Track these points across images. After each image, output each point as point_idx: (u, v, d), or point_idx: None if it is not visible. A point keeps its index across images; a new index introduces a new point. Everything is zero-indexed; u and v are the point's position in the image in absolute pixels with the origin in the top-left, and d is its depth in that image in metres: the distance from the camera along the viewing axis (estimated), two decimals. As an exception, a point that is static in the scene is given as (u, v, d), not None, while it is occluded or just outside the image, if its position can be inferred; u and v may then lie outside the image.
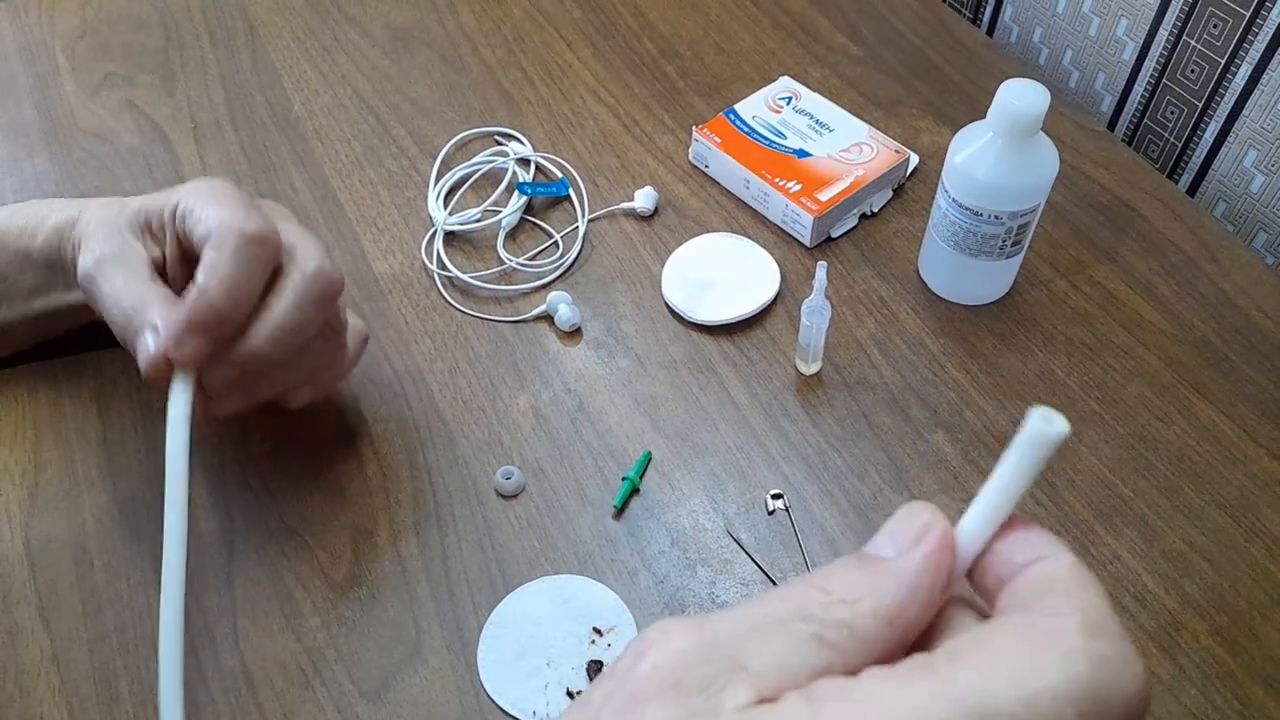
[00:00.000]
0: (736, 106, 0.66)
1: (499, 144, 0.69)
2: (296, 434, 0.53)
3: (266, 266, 0.43)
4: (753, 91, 0.68)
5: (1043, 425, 0.22)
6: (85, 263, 0.45)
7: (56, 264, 0.49)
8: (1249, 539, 0.48)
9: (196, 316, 0.41)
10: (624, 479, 0.50)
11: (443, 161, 0.67)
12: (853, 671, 0.21)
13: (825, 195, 0.60)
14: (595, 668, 0.44)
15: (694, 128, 0.65)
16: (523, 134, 0.69)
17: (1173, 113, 0.69)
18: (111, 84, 0.74)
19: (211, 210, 0.43)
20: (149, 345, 0.41)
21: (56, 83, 0.74)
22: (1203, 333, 0.56)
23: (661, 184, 0.65)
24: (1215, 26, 0.63)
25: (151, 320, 0.42)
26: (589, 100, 0.71)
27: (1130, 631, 0.45)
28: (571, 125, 0.69)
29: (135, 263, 0.44)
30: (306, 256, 0.44)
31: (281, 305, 0.43)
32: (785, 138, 0.64)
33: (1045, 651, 0.20)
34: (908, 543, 0.23)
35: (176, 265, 0.45)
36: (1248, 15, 0.60)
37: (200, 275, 0.41)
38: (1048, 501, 0.50)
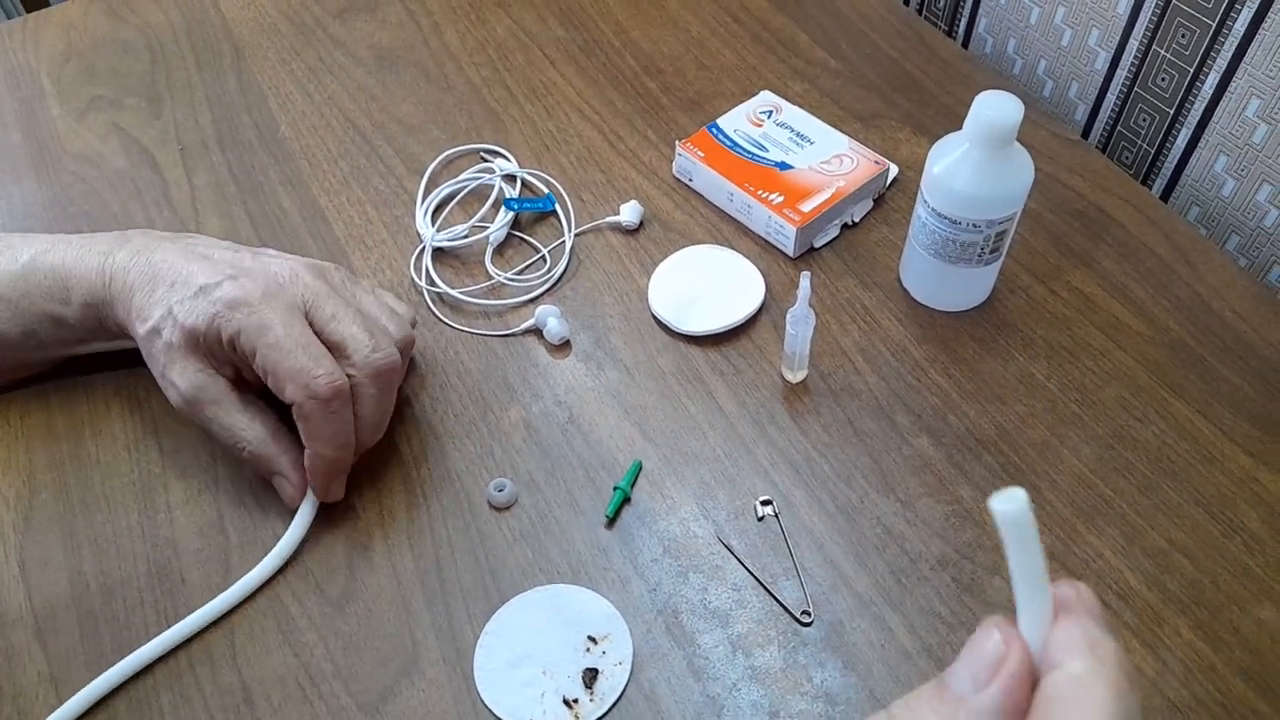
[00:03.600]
0: (719, 121, 0.67)
1: (485, 160, 0.70)
2: (290, 451, 0.53)
3: (347, 405, 0.48)
4: (734, 106, 0.69)
5: (1006, 506, 0.25)
6: (177, 400, 0.49)
7: (98, 330, 0.52)
8: (1227, 535, 0.49)
9: (323, 471, 0.49)
10: (615, 488, 0.51)
11: (429, 179, 0.68)
12: None
13: (807, 206, 0.61)
14: (590, 675, 0.45)
15: (677, 142, 0.66)
16: (508, 150, 0.70)
17: (1145, 120, 0.70)
18: (98, 107, 0.74)
19: (276, 360, 0.47)
20: (287, 492, 0.50)
21: (43, 107, 0.74)
22: (1178, 334, 0.58)
23: (646, 198, 0.66)
24: (1183, 36, 0.64)
25: (280, 469, 0.50)
26: (573, 117, 0.72)
27: (1114, 629, 0.46)
28: (556, 141, 0.70)
29: (221, 397, 0.49)
30: (358, 350, 0.48)
31: (366, 411, 0.49)
32: (767, 151, 0.65)
33: None
34: (985, 677, 0.25)
35: (249, 369, 0.49)
36: (1214, 25, 0.62)
37: (306, 442, 0.48)
38: (1031, 503, 0.51)
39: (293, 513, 0.50)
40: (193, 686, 0.46)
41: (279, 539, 0.49)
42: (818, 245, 0.63)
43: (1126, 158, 0.73)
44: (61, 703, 0.45)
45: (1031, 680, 0.25)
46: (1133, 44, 0.68)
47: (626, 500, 0.51)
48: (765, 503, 0.51)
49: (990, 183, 0.52)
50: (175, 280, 0.49)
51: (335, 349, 0.48)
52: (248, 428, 0.49)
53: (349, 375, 0.48)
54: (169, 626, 0.47)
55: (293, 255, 0.52)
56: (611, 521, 0.51)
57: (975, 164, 0.52)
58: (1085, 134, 0.76)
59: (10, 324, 0.51)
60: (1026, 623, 0.26)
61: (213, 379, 0.49)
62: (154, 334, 0.49)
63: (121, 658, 0.46)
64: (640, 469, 0.52)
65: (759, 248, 0.63)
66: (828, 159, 0.64)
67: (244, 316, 0.47)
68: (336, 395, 0.47)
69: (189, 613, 0.48)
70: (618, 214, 0.64)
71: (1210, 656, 0.46)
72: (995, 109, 0.50)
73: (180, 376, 0.48)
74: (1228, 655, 0.46)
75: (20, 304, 0.51)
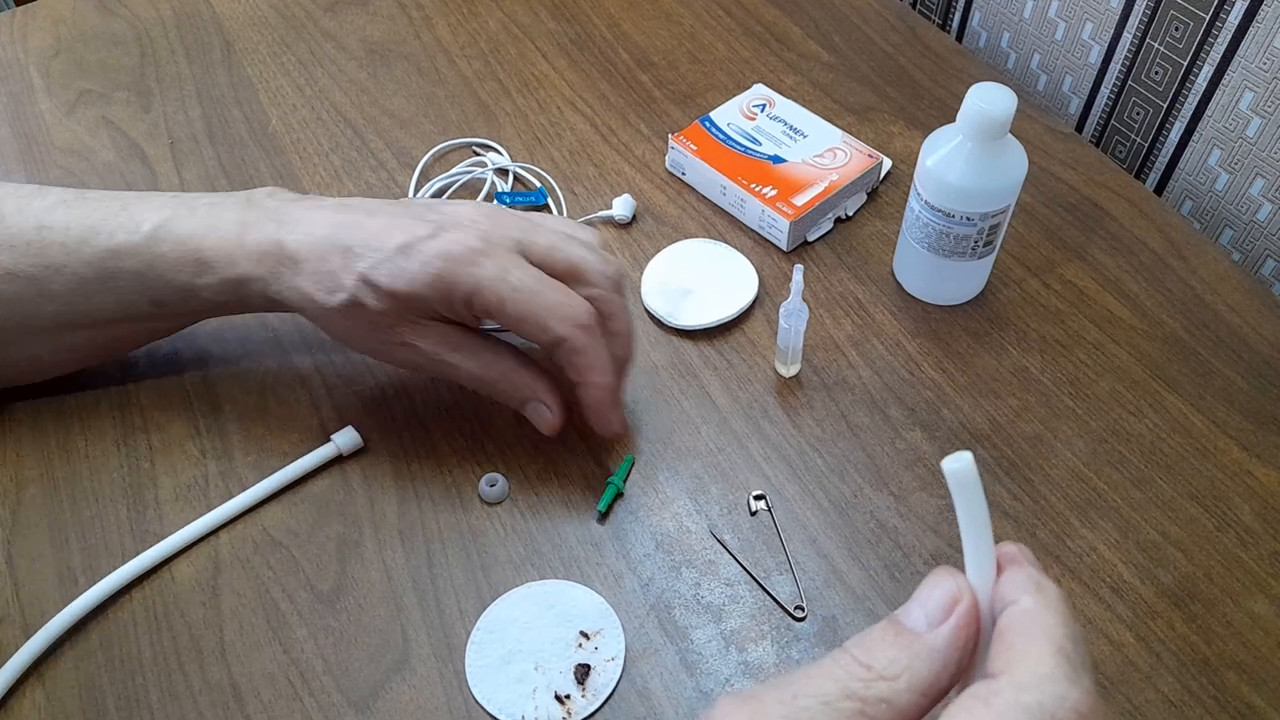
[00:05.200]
0: (712, 114, 0.67)
1: (477, 154, 0.69)
2: (279, 445, 0.53)
3: (599, 337, 0.47)
4: (727, 99, 0.69)
5: (954, 465, 0.26)
6: (414, 359, 0.48)
7: (234, 304, 0.50)
8: (1220, 528, 0.49)
9: (608, 401, 0.48)
10: (608, 483, 0.51)
11: (421, 173, 0.67)
12: None
13: (801, 200, 0.61)
14: (583, 671, 0.45)
15: (670, 135, 0.66)
16: (500, 144, 0.69)
17: (1138, 114, 0.70)
18: (87, 101, 0.74)
19: (529, 303, 0.45)
20: (546, 417, 0.49)
21: (31, 101, 0.74)
22: (1172, 328, 0.58)
23: (639, 192, 0.66)
24: (1177, 29, 0.64)
25: (536, 394, 0.49)
26: (566, 110, 0.72)
27: (1107, 622, 0.46)
28: (549, 135, 0.70)
29: (463, 343, 0.48)
30: (590, 269, 0.47)
31: (621, 325, 0.48)
32: (760, 144, 0.65)
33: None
34: (939, 616, 0.27)
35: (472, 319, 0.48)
36: (1207, 18, 0.62)
37: (582, 376, 0.47)
38: (1025, 496, 0.51)
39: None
40: (181, 684, 0.45)
41: (265, 530, 0.49)
42: (811, 239, 0.63)
43: (1120, 151, 0.73)
44: (49, 699, 0.45)
45: (979, 623, 0.27)
46: (1126, 37, 0.68)
47: (619, 495, 0.51)
48: (758, 497, 0.51)
49: (984, 175, 0.52)
50: (353, 244, 0.46)
51: (567, 276, 0.47)
52: (495, 362, 0.48)
53: (593, 295, 0.47)
54: (157, 623, 0.47)
55: (458, 200, 0.51)
56: (604, 516, 0.50)
57: (969, 157, 0.52)
58: (1079, 128, 0.76)
59: (138, 295, 0.49)
60: (974, 573, 0.27)
61: (451, 328, 0.47)
62: (354, 306, 0.46)
63: (109, 652, 0.46)
64: (633, 464, 0.52)
65: (752, 241, 0.63)
66: (821, 152, 0.64)
67: (477, 270, 0.45)
68: (597, 320, 0.46)
69: (178, 609, 0.47)
70: (610, 208, 0.64)
71: (1204, 650, 0.45)
72: (988, 101, 0.50)
73: (420, 337, 0.47)
74: (1221, 648, 0.45)
75: (146, 275, 0.48)
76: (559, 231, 0.48)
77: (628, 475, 0.52)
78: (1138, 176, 0.72)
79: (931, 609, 0.27)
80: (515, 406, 0.49)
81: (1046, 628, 0.25)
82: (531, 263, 0.46)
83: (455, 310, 0.46)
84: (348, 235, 0.46)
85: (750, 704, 0.25)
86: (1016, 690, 0.24)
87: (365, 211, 0.48)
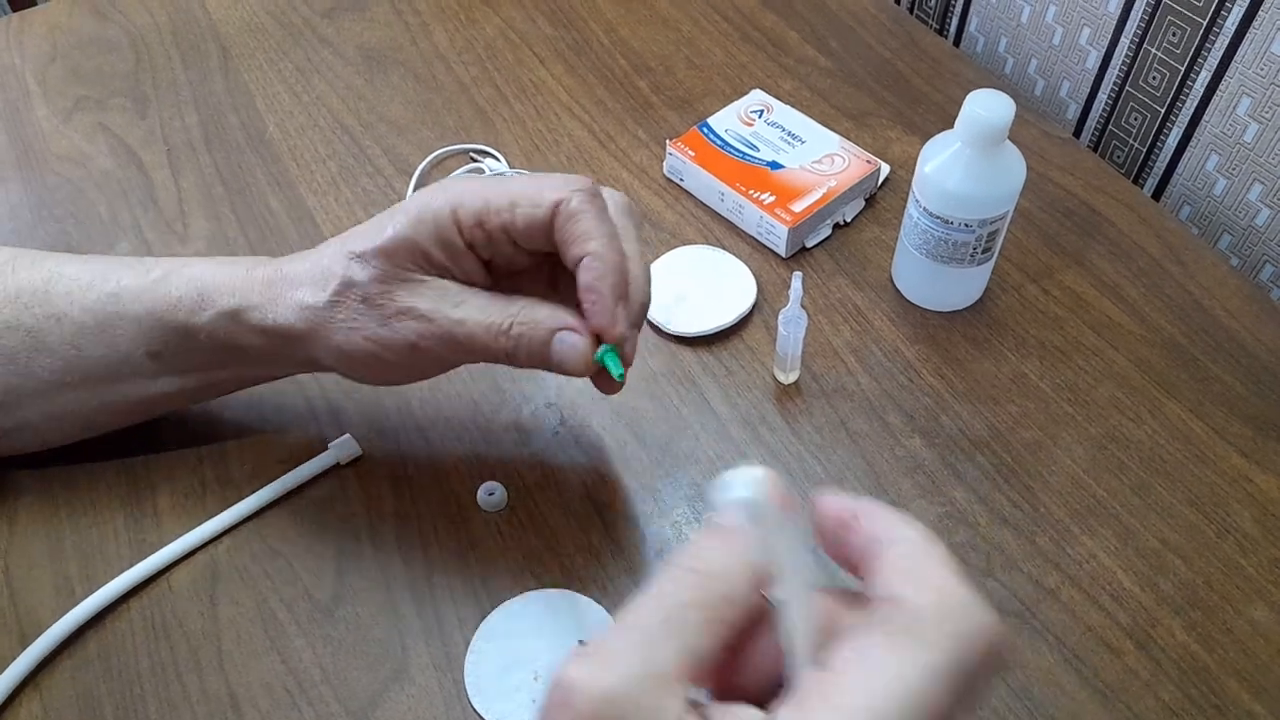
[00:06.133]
0: (709, 120, 0.67)
1: (474, 160, 0.69)
2: (277, 454, 0.53)
3: (601, 208, 0.42)
4: (725, 105, 0.69)
5: (742, 494, 0.25)
6: (413, 331, 0.43)
7: (230, 348, 0.47)
8: (1220, 535, 0.49)
9: (612, 283, 0.41)
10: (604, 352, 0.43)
11: (419, 180, 0.67)
12: (741, 629, 0.25)
13: (799, 206, 0.61)
14: (582, 680, 0.45)
15: (668, 141, 0.66)
16: (498, 151, 0.69)
17: (1136, 119, 0.70)
18: (84, 108, 0.73)
19: (516, 188, 0.42)
20: (576, 344, 0.42)
21: (28, 108, 0.74)
22: (1170, 334, 0.58)
23: (637, 198, 0.66)
24: (1174, 35, 0.64)
25: (560, 322, 0.42)
26: (563, 116, 0.72)
27: (1108, 629, 0.46)
28: (546, 141, 0.70)
29: (465, 295, 0.43)
30: (555, 185, 0.42)
31: (631, 247, 0.43)
32: (758, 150, 0.65)
33: (906, 654, 0.23)
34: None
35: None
36: (1204, 24, 0.62)
37: (582, 244, 0.41)
38: (1024, 503, 0.51)
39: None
40: (179, 694, 0.45)
41: (262, 539, 0.49)
42: (809, 245, 0.63)
43: (1118, 156, 0.73)
44: (46, 710, 0.44)
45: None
46: (1124, 43, 0.68)
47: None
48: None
49: (982, 182, 0.52)
50: (330, 246, 0.44)
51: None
52: (507, 305, 0.42)
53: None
54: (155, 633, 0.47)
55: None
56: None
57: (967, 163, 0.52)
58: (1076, 133, 0.76)
59: (134, 344, 0.47)
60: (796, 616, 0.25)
61: (449, 282, 0.43)
62: (346, 288, 0.43)
63: (106, 662, 0.46)
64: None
65: (750, 248, 0.63)
66: (819, 158, 0.64)
67: (453, 189, 0.42)
68: (597, 191, 0.42)
69: (176, 619, 0.47)
70: (608, 214, 0.64)
71: (1204, 657, 0.45)
72: (987, 108, 0.50)
73: (419, 296, 0.42)
74: (1221, 656, 0.45)
75: (144, 320, 0.46)
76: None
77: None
78: (1135, 181, 0.72)
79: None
80: (540, 355, 0.42)
81: (944, 557, 0.25)
82: None
83: (447, 242, 0.42)
84: (324, 246, 0.45)
85: (597, 657, 0.23)
86: (939, 616, 0.23)
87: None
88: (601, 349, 0.42)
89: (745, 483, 0.25)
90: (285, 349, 0.46)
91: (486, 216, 0.42)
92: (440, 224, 0.42)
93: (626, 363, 0.43)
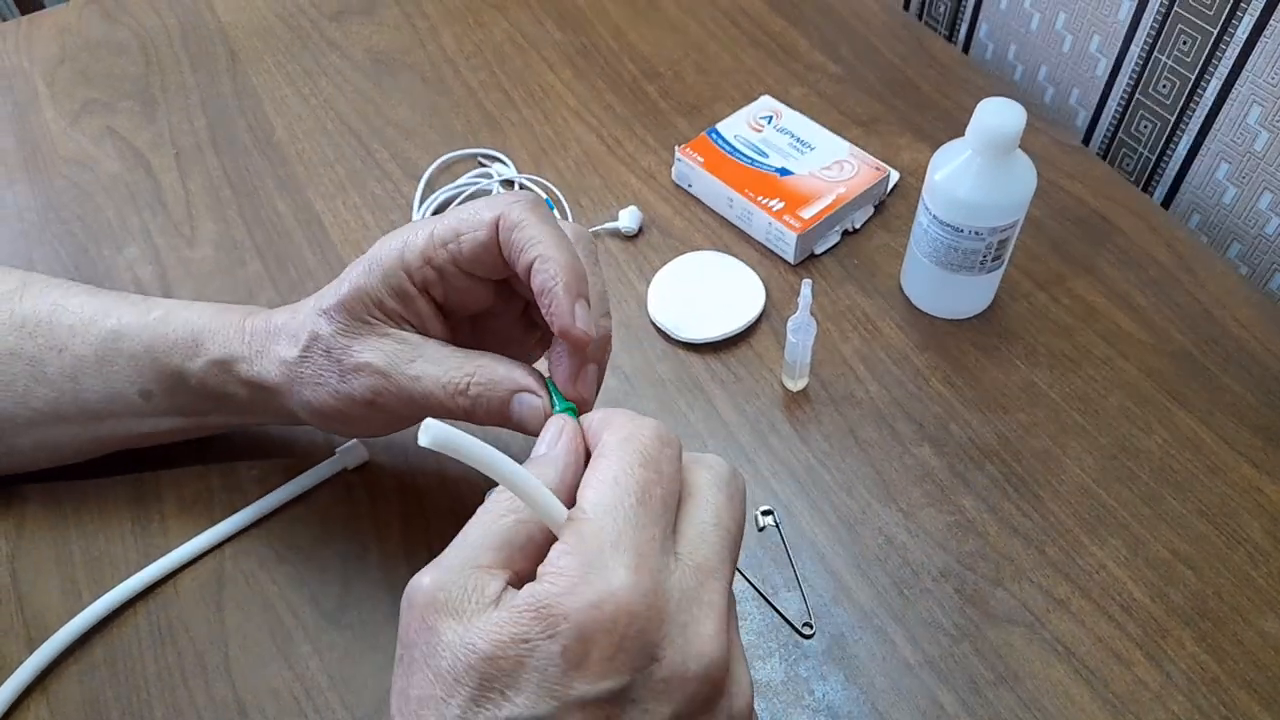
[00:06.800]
0: (718, 126, 0.67)
1: (482, 165, 0.69)
2: (284, 459, 0.53)
3: (546, 218, 0.41)
4: (734, 111, 0.69)
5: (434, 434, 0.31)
6: (366, 387, 0.42)
7: (220, 396, 0.47)
8: (1231, 546, 0.49)
9: (567, 279, 0.39)
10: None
11: (427, 184, 0.67)
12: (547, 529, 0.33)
13: (808, 213, 0.61)
14: (589, 688, 0.45)
15: (676, 147, 0.66)
16: (506, 155, 0.69)
17: (1146, 127, 0.70)
18: (92, 110, 0.73)
19: (461, 215, 0.41)
20: (535, 406, 0.40)
21: (36, 110, 0.74)
22: (1181, 343, 0.57)
23: (645, 203, 0.66)
24: (1185, 43, 0.64)
25: (519, 383, 0.41)
26: (571, 121, 0.71)
27: (1118, 640, 0.46)
28: (554, 146, 0.70)
29: (421, 347, 0.42)
30: (568, 226, 0.42)
31: (592, 276, 0.42)
32: (767, 156, 0.65)
33: (606, 474, 0.33)
34: (551, 439, 0.36)
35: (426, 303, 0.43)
36: (1215, 32, 0.62)
37: (530, 248, 0.39)
38: (1033, 513, 0.50)
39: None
40: (186, 700, 0.45)
41: (269, 546, 0.49)
42: (818, 252, 0.62)
43: (1127, 164, 0.73)
44: (53, 714, 0.44)
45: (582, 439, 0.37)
46: (1134, 50, 0.68)
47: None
48: (766, 513, 0.51)
49: (993, 190, 0.52)
50: (309, 301, 0.44)
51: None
52: (465, 361, 0.41)
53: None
54: (162, 638, 0.47)
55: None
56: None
57: (978, 171, 0.51)
58: (1086, 140, 0.76)
59: (128, 383, 0.47)
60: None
61: (403, 333, 0.42)
62: (313, 342, 0.43)
63: (113, 668, 0.45)
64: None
65: (759, 254, 0.62)
66: (828, 165, 0.64)
67: (396, 238, 0.42)
68: (538, 199, 0.41)
69: (182, 625, 0.47)
70: (616, 220, 0.64)
71: (1214, 669, 0.45)
72: (999, 116, 0.50)
73: (374, 350, 0.41)
74: (1232, 668, 0.45)
75: (141, 359, 0.47)
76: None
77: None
78: (1145, 190, 0.72)
79: (548, 440, 0.36)
80: (499, 414, 0.41)
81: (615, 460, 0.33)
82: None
83: (398, 289, 0.42)
84: (307, 302, 0.45)
85: (432, 564, 0.33)
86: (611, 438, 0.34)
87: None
88: (560, 407, 0.40)
89: (431, 433, 0.30)
90: (267, 401, 0.46)
91: (432, 252, 0.41)
92: (388, 270, 0.41)
93: (581, 404, 0.41)
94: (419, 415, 0.42)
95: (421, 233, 0.41)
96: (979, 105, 0.50)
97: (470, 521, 0.34)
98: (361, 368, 0.42)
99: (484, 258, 0.41)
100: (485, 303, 0.44)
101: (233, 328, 0.46)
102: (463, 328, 0.45)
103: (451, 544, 0.33)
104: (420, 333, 0.43)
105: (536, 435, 0.39)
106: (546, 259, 0.39)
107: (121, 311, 0.48)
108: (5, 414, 0.48)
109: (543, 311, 0.40)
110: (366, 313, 0.42)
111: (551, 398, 0.41)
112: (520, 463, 0.32)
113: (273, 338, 0.45)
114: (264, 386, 0.45)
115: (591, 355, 0.41)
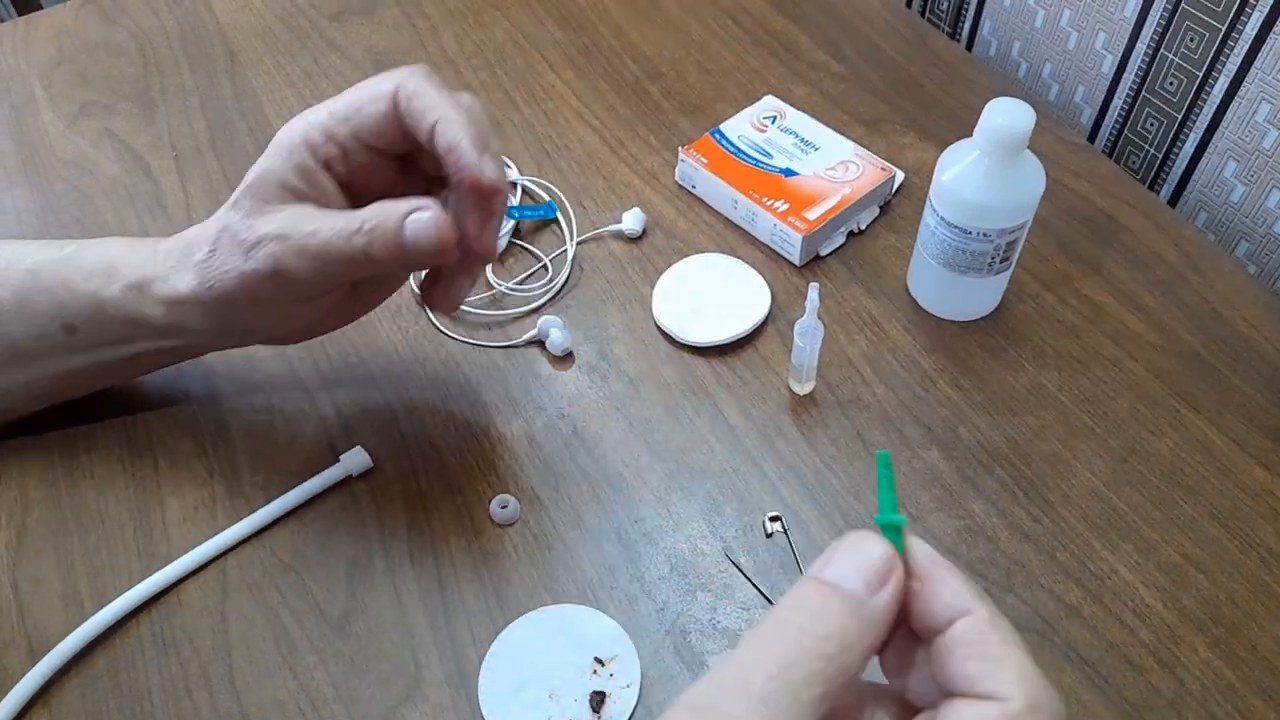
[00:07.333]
0: (722, 126, 0.66)
1: (484, 167, 0.68)
2: (287, 466, 0.52)
3: (442, 88, 0.43)
4: (737, 111, 0.68)
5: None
6: (270, 256, 0.43)
7: (138, 320, 0.47)
8: (1244, 550, 0.49)
9: (470, 136, 0.41)
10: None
11: (428, 186, 0.67)
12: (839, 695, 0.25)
13: (813, 214, 0.60)
14: (598, 699, 0.44)
15: (680, 148, 0.65)
16: (508, 157, 0.68)
17: (1152, 124, 0.70)
18: (90, 113, 0.73)
19: (355, 93, 0.44)
20: (429, 218, 0.41)
21: (34, 112, 0.73)
22: (1189, 344, 0.57)
23: (649, 205, 0.65)
24: (1192, 40, 0.64)
25: (409, 206, 0.41)
26: (574, 122, 0.71)
27: (1130, 646, 0.46)
28: (557, 147, 0.69)
29: (314, 216, 0.43)
30: (458, 103, 0.43)
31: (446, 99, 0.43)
32: (771, 157, 0.64)
33: None
34: (877, 582, 0.26)
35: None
36: (1224, 29, 0.61)
37: (428, 114, 0.42)
38: (1043, 517, 0.50)
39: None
40: (190, 711, 0.45)
41: (273, 554, 0.48)
42: (824, 253, 0.62)
43: (1134, 163, 0.72)
44: (56, 729, 0.44)
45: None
46: (1140, 47, 0.67)
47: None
48: (774, 519, 0.50)
49: (1001, 191, 0.51)
50: (221, 209, 0.46)
51: None
52: (357, 213, 0.42)
53: None
54: (165, 649, 0.46)
55: None
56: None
57: (986, 172, 0.51)
58: (1091, 138, 0.75)
59: (49, 319, 0.48)
60: None
61: (305, 206, 0.44)
62: (220, 233, 0.44)
63: (115, 679, 0.45)
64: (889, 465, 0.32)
65: (764, 256, 0.62)
66: (833, 165, 0.63)
67: (300, 120, 0.44)
68: (430, 70, 0.43)
69: (186, 635, 0.47)
70: (620, 222, 0.63)
71: (1228, 675, 0.45)
72: (1007, 116, 0.49)
73: (271, 222, 0.43)
74: (1246, 674, 0.45)
75: (58, 292, 0.47)
76: None
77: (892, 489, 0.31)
78: (1151, 188, 0.71)
79: (869, 575, 0.26)
80: (394, 243, 0.42)
81: (1014, 638, 0.26)
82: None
83: (302, 167, 0.43)
84: (215, 216, 0.46)
85: (706, 715, 0.24)
86: (1029, 708, 0.24)
87: None
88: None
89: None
90: (184, 317, 0.46)
91: (334, 128, 0.43)
92: (292, 149, 0.43)
93: (487, 256, 0.44)
94: (323, 280, 0.44)
95: (322, 110, 0.44)
96: (987, 105, 0.50)
97: (760, 653, 0.26)
98: (262, 239, 0.43)
99: (385, 129, 0.43)
100: (388, 181, 0.46)
101: (146, 250, 0.48)
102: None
103: (733, 678, 0.25)
104: (322, 206, 0.44)
105: (432, 251, 0.42)
106: (448, 120, 0.41)
107: (36, 253, 0.49)
108: None
109: (449, 170, 0.42)
110: (273, 194, 0.44)
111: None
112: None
113: (187, 251, 0.46)
114: (179, 300, 0.46)
115: (497, 208, 0.43)
